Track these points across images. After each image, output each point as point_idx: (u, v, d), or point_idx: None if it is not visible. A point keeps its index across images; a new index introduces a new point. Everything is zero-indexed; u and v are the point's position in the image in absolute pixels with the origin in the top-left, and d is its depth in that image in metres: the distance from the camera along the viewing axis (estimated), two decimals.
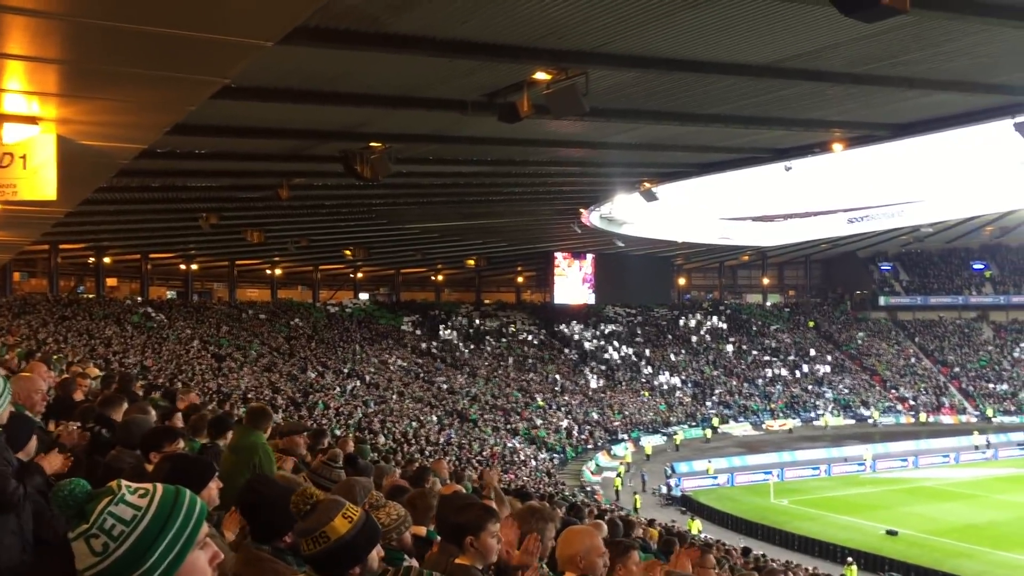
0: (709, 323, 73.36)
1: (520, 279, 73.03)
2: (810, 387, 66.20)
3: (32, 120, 7.43)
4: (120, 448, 5.52)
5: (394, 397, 47.26)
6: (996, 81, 17.15)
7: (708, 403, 62.38)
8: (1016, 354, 69.56)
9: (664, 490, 43.67)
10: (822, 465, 49.05)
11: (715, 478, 46.76)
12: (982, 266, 74.84)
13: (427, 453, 35.52)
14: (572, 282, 66.68)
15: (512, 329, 65.70)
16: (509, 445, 46.00)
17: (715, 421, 59.43)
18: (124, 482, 2.12)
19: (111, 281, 55.19)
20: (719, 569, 8.71)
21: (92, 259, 50.71)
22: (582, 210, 41.25)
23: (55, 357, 16.02)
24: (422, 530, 4.88)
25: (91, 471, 4.99)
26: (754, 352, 69.84)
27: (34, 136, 7.57)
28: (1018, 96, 17.82)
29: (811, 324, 73.83)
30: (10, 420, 4.74)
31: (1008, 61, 15.70)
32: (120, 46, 5.59)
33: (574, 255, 65.63)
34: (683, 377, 65.12)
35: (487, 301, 71.20)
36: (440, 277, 69.40)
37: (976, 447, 53.57)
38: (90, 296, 49.28)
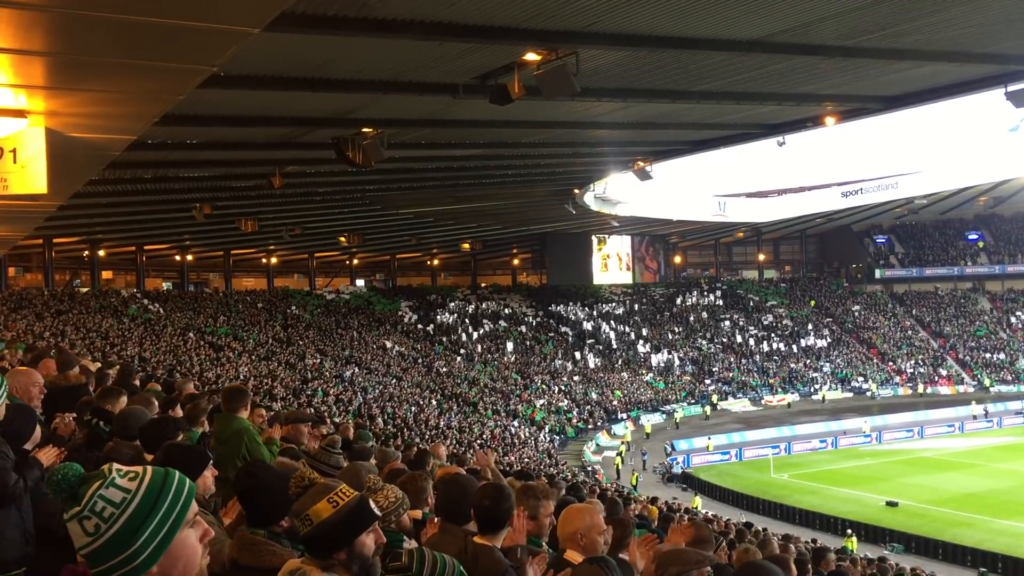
0: (706, 300, 73.45)
1: (516, 261, 73.07)
2: (808, 361, 66.36)
3: (20, 113, 7.40)
4: (117, 440, 5.53)
5: (393, 382, 47.33)
6: (987, 50, 17.12)
7: (707, 380, 62.54)
8: (1013, 322, 69.74)
9: (662, 467, 43.80)
10: (828, 438, 49.27)
11: (726, 454, 46.96)
12: (977, 236, 74.90)
13: (427, 437, 35.59)
14: (612, 263, 70.58)
15: (509, 311, 65.75)
16: (509, 427, 46.12)
17: (714, 398, 59.61)
18: (115, 465, 2.21)
19: (106, 274, 55.14)
20: (717, 545, 8.76)
21: (87, 252, 50.64)
22: (576, 190, 41.22)
23: (52, 352, 16.01)
24: (417, 513, 4.89)
25: (89, 464, 5.00)
26: (751, 328, 69.96)
27: (23, 129, 7.54)
28: (1009, 65, 17.80)
29: (812, 303, 73.77)
30: (14, 411, 4.76)
31: (999, 30, 15.68)
32: (106, 36, 5.56)
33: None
34: (681, 355, 65.25)
35: (483, 284, 71.22)
36: (436, 261, 69.43)
37: (974, 416, 53.78)
38: (85, 290, 49.20)
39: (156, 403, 7.18)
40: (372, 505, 3.07)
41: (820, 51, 16.51)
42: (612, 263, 70.77)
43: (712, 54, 16.41)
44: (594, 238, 67.56)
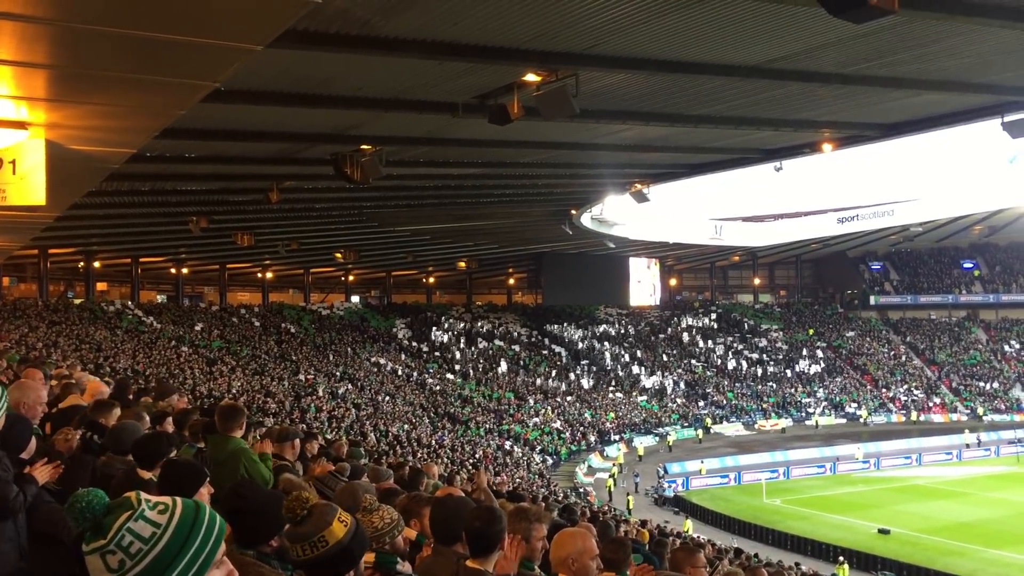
0: (700, 323, 73.50)
1: (511, 281, 73.07)
2: (801, 387, 66.34)
3: (21, 125, 7.39)
4: (110, 455, 5.50)
5: (386, 400, 47.21)
6: (984, 80, 17.22)
7: (700, 403, 62.48)
8: (1007, 351, 69.84)
9: (654, 490, 43.69)
10: (826, 464, 49.23)
11: (725, 477, 46.89)
12: (971, 265, 75.13)
13: (419, 456, 35.46)
14: (644, 286, 71.13)
15: (504, 331, 65.71)
16: (502, 447, 45.99)
17: (707, 421, 59.51)
18: (143, 496, 2.06)
19: (101, 285, 55.02)
20: (710, 569, 8.73)
21: (82, 264, 50.56)
22: (573, 211, 41.27)
23: (46, 363, 15.97)
24: (412, 533, 4.86)
25: (84, 477, 5.00)
26: (746, 352, 69.98)
27: (23, 141, 7.53)
28: (1006, 95, 17.90)
29: (811, 332, 73.63)
30: (10, 422, 4.74)
31: (996, 61, 15.77)
32: (109, 50, 5.57)
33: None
34: (675, 377, 65.22)
35: (478, 303, 71.22)
36: (431, 279, 69.41)
37: (967, 445, 53.77)
38: (79, 301, 49.08)
39: (147, 417, 7.14)
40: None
41: (818, 78, 16.59)
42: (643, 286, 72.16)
43: (711, 78, 16.49)
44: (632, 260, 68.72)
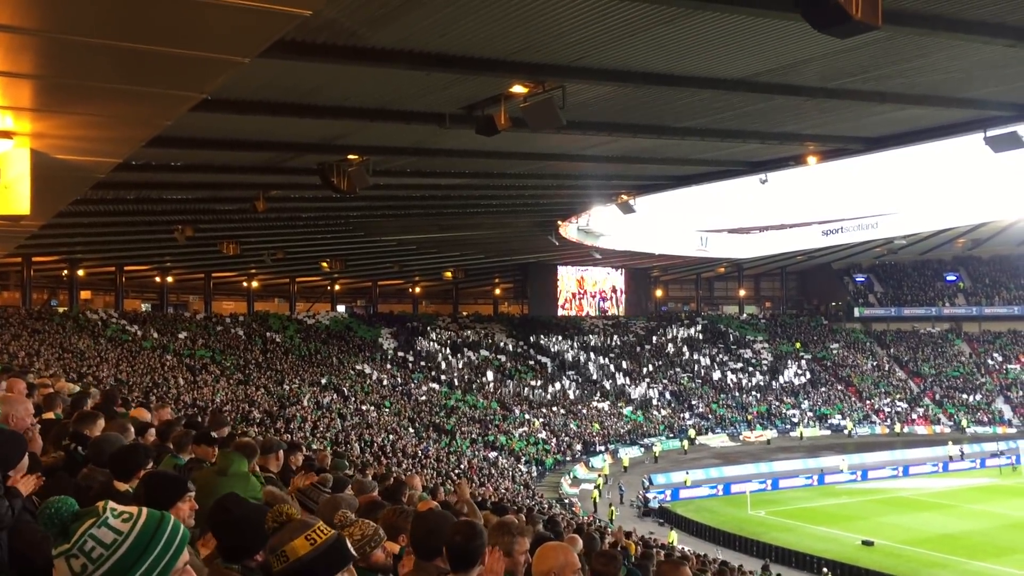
0: (686, 334, 73.64)
1: (498, 291, 73.07)
2: (786, 398, 66.50)
3: (6, 135, 7.37)
4: (92, 466, 5.47)
5: (371, 409, 47.07)
6: (967, 95, 17.38)
7: (686, 414, 62.54)
8: (989, 364, 70.21)
9: (639, 501, 43.67)
10: (814, 475, 49.40)
11: (713, 488, 46.93)
12: (955, 277, 75.54)
13: (404, 466, 35.35)
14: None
15: (490, 341, 65.66)
16: (487, 457, 45.89)
17: (692, 432, 59.53)
18: (111, 504, 2.15)
19: (85, 294, 54.70)
20: None
21: (66, 272, 50.26)
22: (560, 222, 41.36)
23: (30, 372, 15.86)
24: (396, 547, 4.84)
25: (63, 489, 4.96)
26: (731, 363, 70.13)
27: (7, 151, 7.50)
28: (988, 110, 18.06)
29: (798, 345, 73.75)
30: (4, 438, 4.70)
31: (978, 76, 15.93)
32: (96, 62, 5.56)
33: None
34: (660, 388, 65.27)
35: (464, 313, 71.16)
36: (417, 289, 69.34)
37: (951, 457, 53.98)
38: (63, 310, 48.78)
39: (132, 429, 7.09)
40: (349, 545, 3.05)
41: (803, 91, 16.71)
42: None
43: (698, 91, 16.59)
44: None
